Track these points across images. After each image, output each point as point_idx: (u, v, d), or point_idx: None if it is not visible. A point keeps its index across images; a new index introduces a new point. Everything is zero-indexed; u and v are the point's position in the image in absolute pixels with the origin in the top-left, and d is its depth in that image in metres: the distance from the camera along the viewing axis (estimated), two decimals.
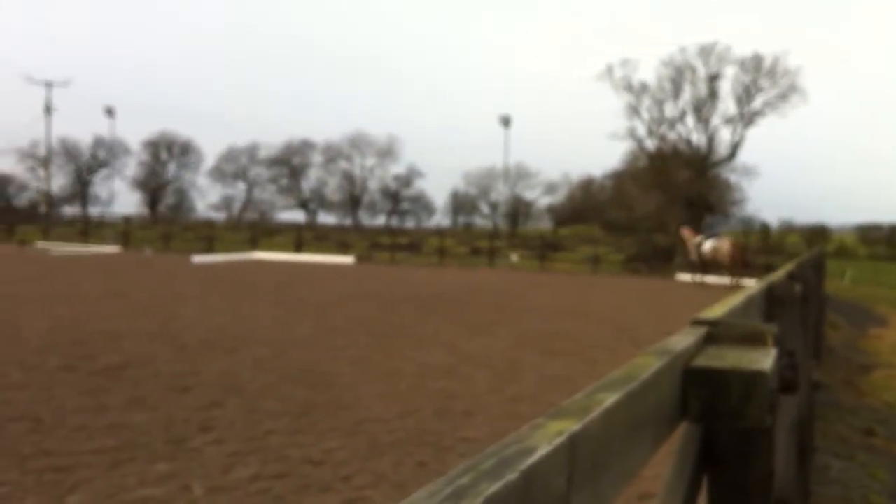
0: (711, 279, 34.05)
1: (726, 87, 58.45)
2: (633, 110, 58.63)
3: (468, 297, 23.98)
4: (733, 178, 60.94)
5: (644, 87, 58.38)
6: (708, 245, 33.76)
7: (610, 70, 58.21)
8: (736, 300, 3.19)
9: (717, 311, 2.59)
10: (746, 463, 2.04)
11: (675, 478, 1.96)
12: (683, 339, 1.91)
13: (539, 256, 44.62)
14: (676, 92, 58.51)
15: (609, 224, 60.90)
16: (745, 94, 58.08)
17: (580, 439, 1.03)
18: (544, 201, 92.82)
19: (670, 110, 58.89)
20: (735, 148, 58.89)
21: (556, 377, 11.35)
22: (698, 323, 2.20)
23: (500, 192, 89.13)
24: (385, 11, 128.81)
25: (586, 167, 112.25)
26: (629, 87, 58.20)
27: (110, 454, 6.81)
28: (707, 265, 33.85)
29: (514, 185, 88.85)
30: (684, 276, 36.31)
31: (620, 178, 66.60)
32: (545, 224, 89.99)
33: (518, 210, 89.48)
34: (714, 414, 1.79)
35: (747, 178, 60.79)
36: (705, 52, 57.71)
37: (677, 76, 58.40)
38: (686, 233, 35.90)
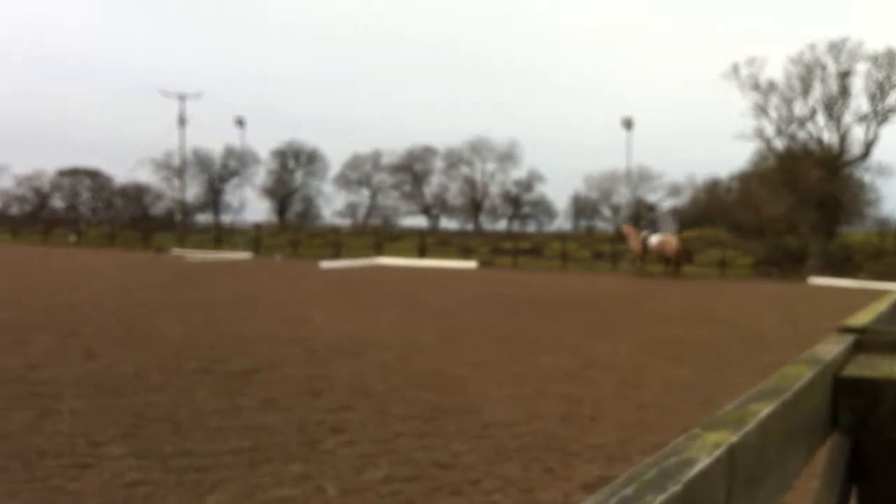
0: (843, 282, 33.42)
1: (858, 84, 56.27)
2: (761, 109, 57.10)
3: (591, 301, 23.77)
4: (867, 177, 58.73)
5: (772, 86, 56.75)
6: (655, 239, 37.57)
7: (736, 69, 56.86)
8: (881, 306, 3.08)
9: (863, 317, 2.51)
10: None
11: (822, 491, 1.91)
12: (832, 348, 1.86)
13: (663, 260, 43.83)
14: (806, 90, 56.65)
15: (736, 227, 59.26)
16: (879, 91, 55.80)
17: (738, 451, 1.02)
18: (668, 204, 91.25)
19: (799, 109, 57.06)
20: (869, 146, 56.66)
21: (683, 384, 11.14)
22: (846, 330, 2.14)
23: (622, 195, 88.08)
24: (502, 15, 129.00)
25: (711, 169, 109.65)
26: (756, 86, 56.70)
27: (247, 455, 7.04)
28: (651, 258, 38.14)
29: (636, 188, 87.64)
30: (818, 280, 35.20)
31: (747, 180, 64.83)
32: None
33: (641, 213, 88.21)
34: (865, 425, 1.74)
35: (882, 178, 58.48)
36: (835, 48, 55.67)
37: (806, 74, 56.53)
38: (627, 228, 40.43)
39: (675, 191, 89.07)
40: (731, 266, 42.05)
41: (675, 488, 0.84)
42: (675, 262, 37.54)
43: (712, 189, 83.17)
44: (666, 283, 33.24)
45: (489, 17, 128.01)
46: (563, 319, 18.51)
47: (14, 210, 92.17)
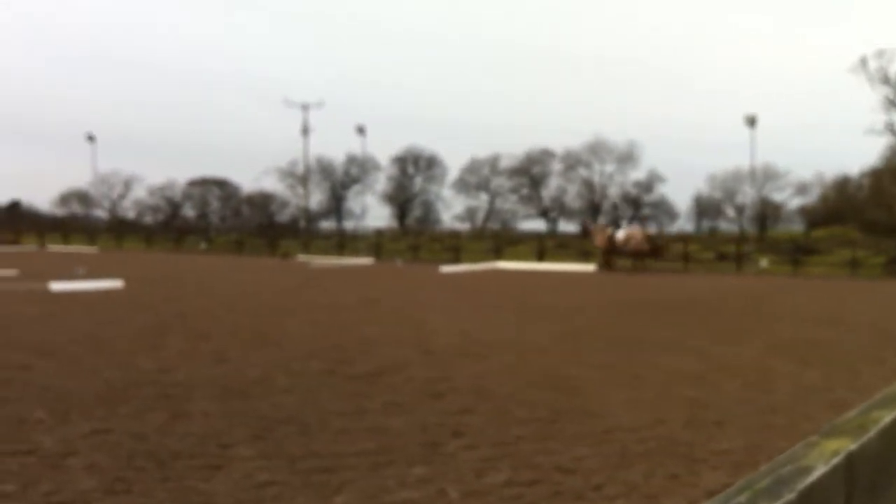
0: None
1: None
2: (891, 103, 54.83)
3: (715, 302, 23.26)
4: None
5: None
6: (620, 234, 40.53)
7: (864, 62, 54.75)
8: None
9: None
10: None
11: None
12: None
13: (791, 261, 42.50)
14: None
15: (868, 225, 56.98)
16: None
17: (858, 459, 1.01)
18: (795, 203, 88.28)
19: None
20: None
21: (812, 388, 10.79)
22: None
23: (747, 195, 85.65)
24: (619, 14, 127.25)
25: (840, 166, 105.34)
26: (885, 80, 54.47)
27: (371, 456, 7.17)
28: (615, 252, 40.57)
29: (761, 187, 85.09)
30: None
31: (879, 176, 62.37)
32: (796, 227, 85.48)
33: (766, 213, 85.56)
34: None
35: None
36: None
37: None
38: (596, 226, 43.46)
39: (802, 189, 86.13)
40: (862, 266, 40.43)
41: (789, 496, 0.84)
42: (636, 256, 40.61)
43: (842, 186, 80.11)
44: (790, 284, 32.21)
45: (605, 16, 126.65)
46: (686, 321, 18.17)
47: (148, 219, 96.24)
